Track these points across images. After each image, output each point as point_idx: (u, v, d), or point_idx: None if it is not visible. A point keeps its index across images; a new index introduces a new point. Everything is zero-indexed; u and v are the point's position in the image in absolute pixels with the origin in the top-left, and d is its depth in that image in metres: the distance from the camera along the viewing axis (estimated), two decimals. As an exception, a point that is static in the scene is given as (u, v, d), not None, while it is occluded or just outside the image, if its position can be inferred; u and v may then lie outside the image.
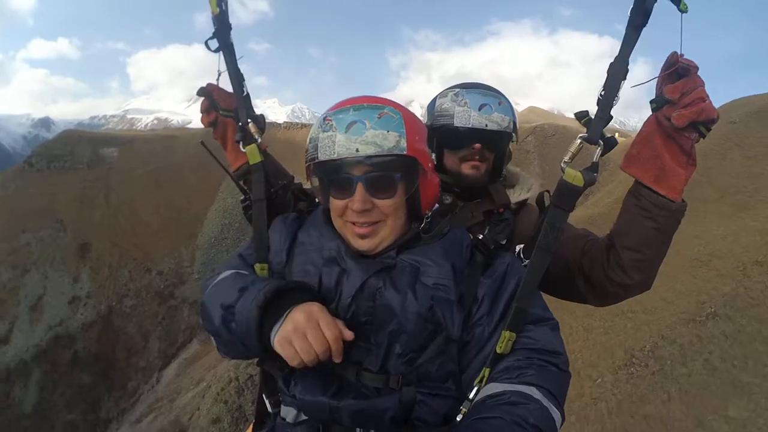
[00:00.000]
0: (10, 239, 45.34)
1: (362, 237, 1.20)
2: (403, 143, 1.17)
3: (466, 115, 1.64)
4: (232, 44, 1.60)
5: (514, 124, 1.72)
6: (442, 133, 1.68)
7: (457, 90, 1.71)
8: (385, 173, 1.17)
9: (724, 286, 9.65)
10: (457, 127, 1.65)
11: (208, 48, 1.59)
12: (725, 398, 7.37)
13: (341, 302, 1.18)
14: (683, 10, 1.18)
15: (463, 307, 1.19)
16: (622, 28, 1.22)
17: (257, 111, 1.63)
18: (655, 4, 1.18)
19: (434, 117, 1.72)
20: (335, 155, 1.16)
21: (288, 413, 1.24)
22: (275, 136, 52.38)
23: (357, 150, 1.14)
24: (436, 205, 1.37)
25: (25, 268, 44.24)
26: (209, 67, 1.66)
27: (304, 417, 1.21)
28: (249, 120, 1.58)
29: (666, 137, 1.25)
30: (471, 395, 1.12)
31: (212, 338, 1.26)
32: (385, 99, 1.25)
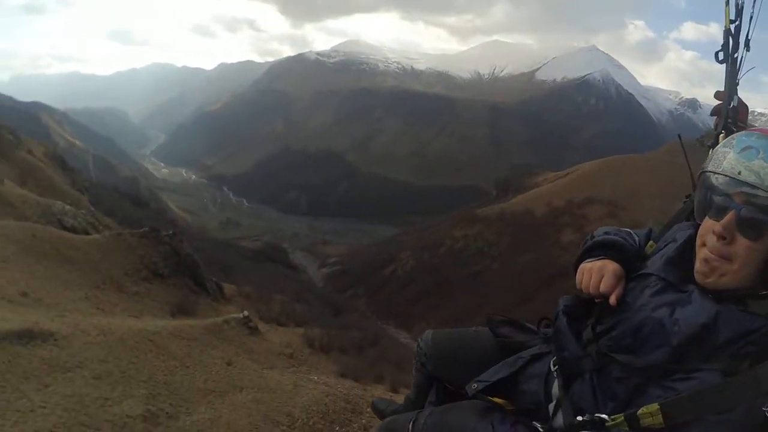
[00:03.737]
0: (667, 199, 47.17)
1: (706, 261, 1.15)
2: None
3: None
4: (736, 59, 1.69)
5: None
6: None
7: None
8: (757, 210, 1.07)
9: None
10: None
11: (716, 59, 1.72)
12: None
13: (631, 278, 1.32)
14: None
15: (672, 361, 1.10)
16: None
17: None
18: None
19: None
20: (719, 169, 1.15)
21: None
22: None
23: (739, 173, 1.10)
24: None
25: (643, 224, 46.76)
26: None
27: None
28: (723, 131, 1.67)
29: None
30: (594, 414, 1.14)
31: None
32: None
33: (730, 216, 1.09)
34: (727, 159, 1.13)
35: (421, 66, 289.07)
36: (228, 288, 11.56)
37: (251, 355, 5.56)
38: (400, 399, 2.54)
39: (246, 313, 6.59)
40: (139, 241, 8.28)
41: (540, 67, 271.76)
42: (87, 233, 11.30)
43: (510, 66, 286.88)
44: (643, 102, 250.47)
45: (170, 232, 9.49)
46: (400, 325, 45.73)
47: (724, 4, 1.70)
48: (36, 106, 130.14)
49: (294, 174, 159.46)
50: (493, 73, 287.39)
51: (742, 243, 1.08)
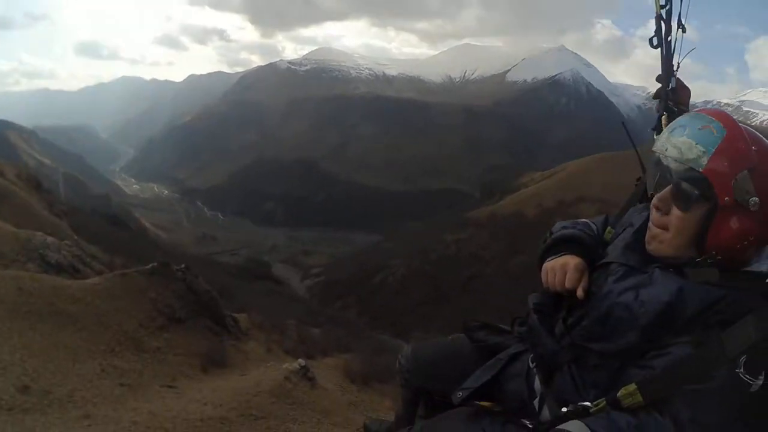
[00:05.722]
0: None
1: (649, 230, 1.24)
2: (704, 161, 1.12)
3: None
4: (669, 42, 1.81)
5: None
6: None
7: None
8: (681, 183, 1.15)
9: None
10: None
11: (651, 44, 1.83)
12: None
13: (595, 268, 1.35)
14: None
15: (644, 341, 1.12)
16: None
17: None
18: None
19: None
20: (654, 147, 1.25)
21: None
22: None
23: (666, 149, 1.19)
24: None
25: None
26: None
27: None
28: (665, 113, 1.73)
29: None
30: (578, 403, 1.16)
31: None
32: (729, 118, 1.18)
33: (669, 188, 1.16)
34: (661, 138, 1.22)
35: (392, 72, 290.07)
36: (240, 319, 10.19)
37: (330, 418, 4.61)
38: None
39: (302, 362, 5.35)
40: (148, 281, 6.77)
41: (510, 69, 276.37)
42: (75, 269, 9.64)
43: (481, 69, 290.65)
44: (612, 99, 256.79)
45: (182, 265, 8.00)
46: (397, 335, 44.45)
47: None
48: (3, 125, 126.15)
49: (269, 184, 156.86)
50: (465, 76, 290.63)
51: (675, 213, 1.15)
